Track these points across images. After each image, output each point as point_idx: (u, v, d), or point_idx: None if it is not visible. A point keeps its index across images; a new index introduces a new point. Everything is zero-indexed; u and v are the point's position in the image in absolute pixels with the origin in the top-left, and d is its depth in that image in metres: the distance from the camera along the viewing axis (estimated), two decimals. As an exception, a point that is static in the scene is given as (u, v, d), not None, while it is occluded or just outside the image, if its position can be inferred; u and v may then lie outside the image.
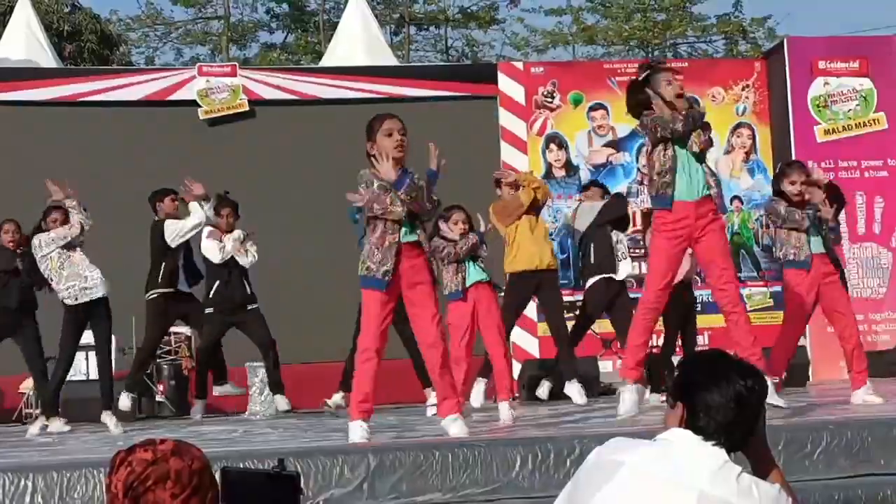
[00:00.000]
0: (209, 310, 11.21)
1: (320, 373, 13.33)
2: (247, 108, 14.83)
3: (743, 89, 15.42)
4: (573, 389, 10.22)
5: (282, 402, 11.03)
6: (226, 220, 11.33)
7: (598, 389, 12.05)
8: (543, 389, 11.00)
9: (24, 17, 15.92)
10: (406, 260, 6.78)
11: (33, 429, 10.32)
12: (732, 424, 3.22)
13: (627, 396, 7.10)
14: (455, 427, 6.75)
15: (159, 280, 11.07)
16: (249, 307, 11.25)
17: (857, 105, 14.91)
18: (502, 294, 9.98)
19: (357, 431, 6.79)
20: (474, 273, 8.95)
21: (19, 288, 10.54)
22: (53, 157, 14.38)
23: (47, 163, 14.30)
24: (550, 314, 10.65)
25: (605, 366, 13.33)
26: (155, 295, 11.09)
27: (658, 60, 7.90)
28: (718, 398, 3.23)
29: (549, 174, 15.02)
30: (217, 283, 11.21)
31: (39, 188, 13.96)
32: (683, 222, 7.10)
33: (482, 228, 9.41)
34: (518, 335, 13.09)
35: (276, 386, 11.21)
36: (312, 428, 9.06)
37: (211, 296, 11.23)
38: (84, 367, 12.69)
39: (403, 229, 6.78)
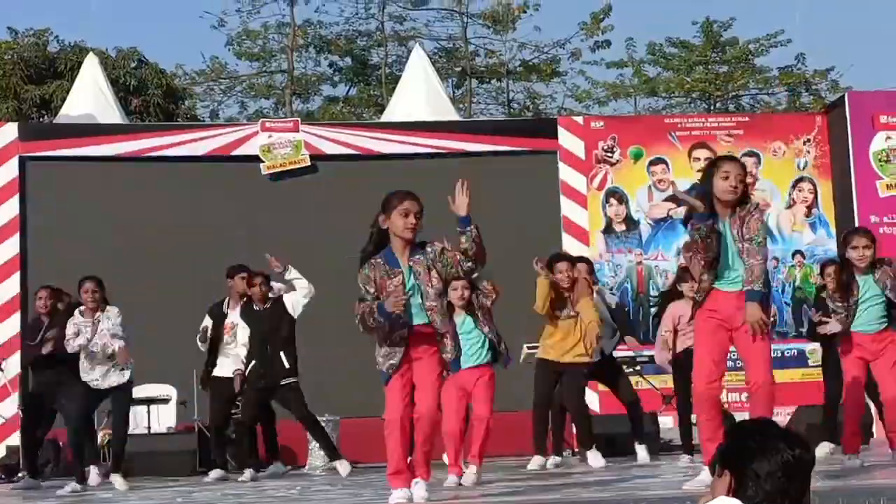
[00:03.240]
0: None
1: (381, 427, 13.36)
2: (308, 164, 14.96)
3: (804, 143, 15.37)
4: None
5: (342, 467, 10.75)
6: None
7: (659, 446, 12.01)
8: (643, 454, 10.87)
9: (91, 74, 16.20)
10: (416, 338, 6.63)
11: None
12: (781, 494, 3.22)
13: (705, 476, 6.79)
14: (417, 490, 6.68)
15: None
16: (284, 382, 10.87)
17: (920, 160, 14.84)
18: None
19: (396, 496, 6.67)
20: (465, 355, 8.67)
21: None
22: (119, 211, 14.60)
23: (113, 217, 14.54)
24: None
25: (666, 422, 13.24)
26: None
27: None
28: (767, 467, 3.22)
29: (608, 229, 15.03)
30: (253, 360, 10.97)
31: (105, 242, 14.22)
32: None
33: None
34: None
35: (331, 452, 11.04)
36: (371, 484, 9.05)
37: (248, 373, 11.01)
38: (146, 420, 12.81)
39: (412, 312, 6.61)
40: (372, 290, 6.65)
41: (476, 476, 8.58)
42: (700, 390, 6.83)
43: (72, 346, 10.17)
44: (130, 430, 12.21)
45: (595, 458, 10.23)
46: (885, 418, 8.66)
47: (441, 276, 6.70)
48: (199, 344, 11.16)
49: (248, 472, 10.81)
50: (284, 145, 14.94)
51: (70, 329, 10.21)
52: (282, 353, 10.85)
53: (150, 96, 24.84)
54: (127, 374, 10.32)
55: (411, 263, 6.66)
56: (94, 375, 10.23)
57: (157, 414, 12.91)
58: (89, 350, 10.17)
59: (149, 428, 12.89)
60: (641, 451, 10.58)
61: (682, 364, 11.08)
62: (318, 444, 11.47)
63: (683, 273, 11.07)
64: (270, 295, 11.04)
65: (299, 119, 16.66)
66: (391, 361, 6.61)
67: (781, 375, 12.64)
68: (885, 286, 8.29)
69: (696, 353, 6.94)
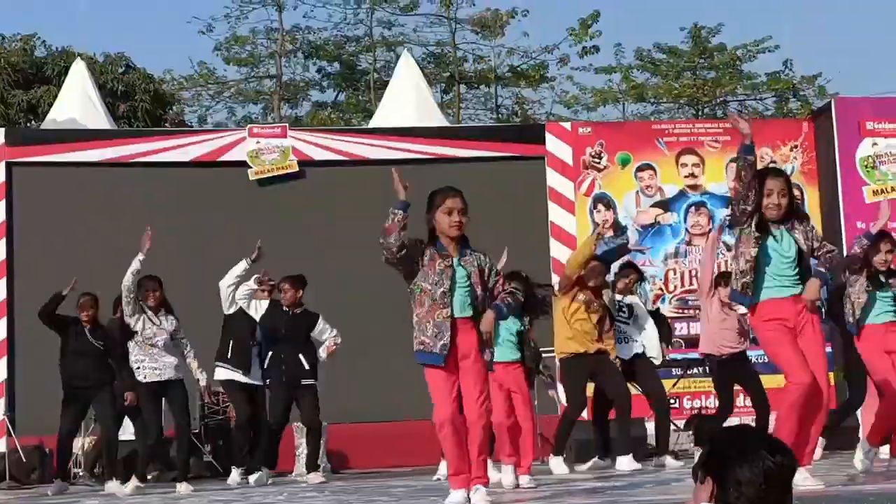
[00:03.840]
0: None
1: (369, 433, 13.40)
2: (296, 169, 14.96)
3: (791, 150, 15.41)
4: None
5: (316, 478, 10.86)
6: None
7: (646, 452, 12.02)
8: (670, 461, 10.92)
9: (79, 79, 16.20)
10: (460, 333, 6.68)
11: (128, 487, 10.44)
12: (763, 500, 3.23)
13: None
14: (477, 497, 6.70)
15: None
16: (305, 382, 11.20)
17: (906, 166, 14.90)
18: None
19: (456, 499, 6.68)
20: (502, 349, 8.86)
21: (93, 366, 10.82)
22: (106, 218, 14.57)
23: (101, 224, 14.51)
24: None
25: (653, 427, 13.26)
26: None
27: None
28: (749, 473, 3.24)
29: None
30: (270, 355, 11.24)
31: (92, 248, 14.20)
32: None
33: None
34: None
35: (312, 463, 11.19)
36: (359, 491, 9.05)
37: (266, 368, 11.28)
38: (132, 427, 12.75)
39: (457, 303, 6.67)
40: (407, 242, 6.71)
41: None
42: (804, 390, 6.82)
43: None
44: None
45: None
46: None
47: (487, 284, 6.80)
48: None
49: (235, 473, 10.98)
50: (272, 151, 14.94)
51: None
52: (301, 355, 11.12)
53: (137, 102, 24.78)
54: (181, 371, 10.62)
55: (463, 262, 6.74)
56: (157, 365, 10.42)
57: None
58: (152, 342, 10.39)
59: (134, 434, 12.85)
60: (668, 459, 10.75)
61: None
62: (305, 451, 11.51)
63: (720, 279, 11.10)
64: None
65: (287, 125, 16.63)
66: (442, 342, 6.59)
67: (770, 381, 12.67)
68: None
69: (785, 357, 6.93)
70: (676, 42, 28.88)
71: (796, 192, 15.05)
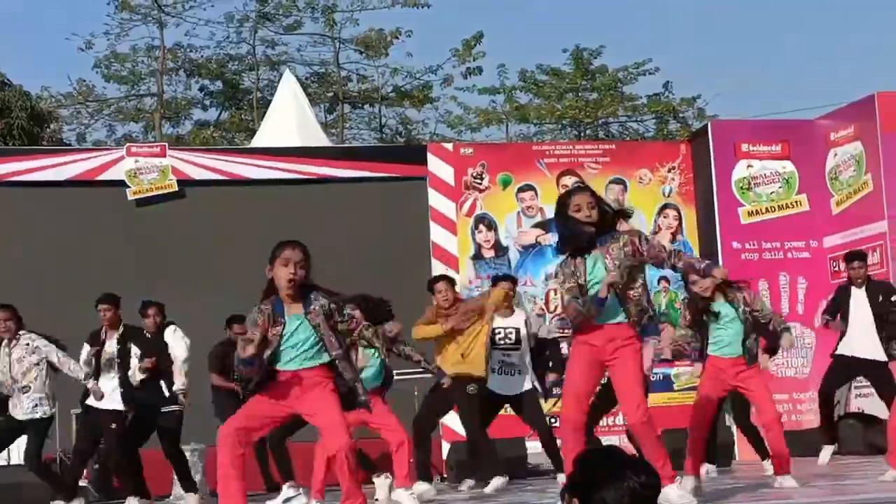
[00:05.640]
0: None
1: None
2: (175, 189, 14.77)
3: (669, 171, 15.63)
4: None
5: (193, 500, 10.73)
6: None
7: (526, 471, 12.09)
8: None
9: (-48, 97, 15.89)
10: (304, 382, 6.41)
11: None
12: (628, 521, 3.25)
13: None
14: None
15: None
16: (163, 409, 10.87)
17: (780, 187, 15.18)
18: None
19: None
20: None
21: None
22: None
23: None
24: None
25: (534, 446, 13.34)
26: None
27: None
28: (614, 494, 3.26)
29: (478, 255, 15.11)
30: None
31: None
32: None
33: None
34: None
35: (187, 483, 10.97)
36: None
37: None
38: (6, 453, 12.51)
39: (303, 355, 6.42)
40: (256, 335, 6.38)
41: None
42: (571, 417, 6.88)
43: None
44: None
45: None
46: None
47: (339, 329, 6.49)
48: (83, 370, 10.84)
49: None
50: (151, 170, 14.74)
51: None
52: (162, 382, 10.80)
53: (13, 119, 24.37)
54: (47, 410, 10.29)
55: (308, 315, 6.41)
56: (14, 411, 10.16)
57: (17, 445, 12.59)
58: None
59: (9, 460, 12.60)
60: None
61: None
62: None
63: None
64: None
65: (166, 144, 16.44)
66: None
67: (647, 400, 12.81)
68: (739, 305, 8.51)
69: (568, 382, 7.03)
70: (559, 64, 29.22)
71: (673, 213, 15.46)
